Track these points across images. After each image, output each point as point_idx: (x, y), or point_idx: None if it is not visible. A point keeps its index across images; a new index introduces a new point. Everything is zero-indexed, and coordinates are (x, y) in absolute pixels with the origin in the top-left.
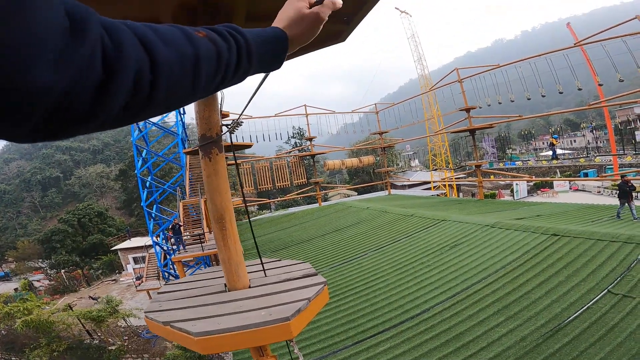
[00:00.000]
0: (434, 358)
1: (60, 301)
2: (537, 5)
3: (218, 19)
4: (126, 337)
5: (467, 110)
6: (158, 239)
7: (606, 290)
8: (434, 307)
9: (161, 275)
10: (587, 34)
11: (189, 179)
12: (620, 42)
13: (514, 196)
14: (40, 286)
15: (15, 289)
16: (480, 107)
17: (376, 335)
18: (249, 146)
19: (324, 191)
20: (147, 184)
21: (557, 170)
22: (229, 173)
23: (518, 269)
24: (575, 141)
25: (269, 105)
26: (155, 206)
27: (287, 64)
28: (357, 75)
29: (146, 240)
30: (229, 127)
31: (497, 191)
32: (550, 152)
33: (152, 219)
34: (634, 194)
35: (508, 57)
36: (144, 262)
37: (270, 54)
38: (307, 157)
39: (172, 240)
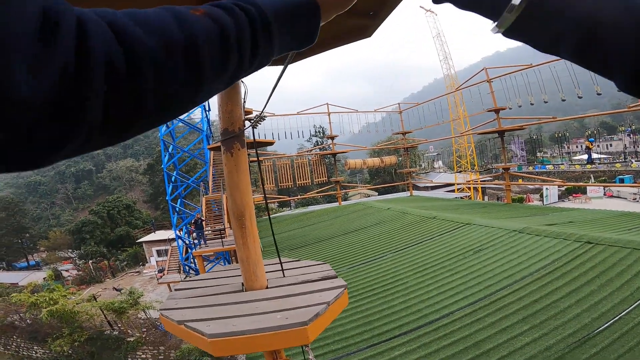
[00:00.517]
0: None
1: (86, 291)
2: None
3: None
4: (145, 329)
5: (496, 111)
6: (181, 232)
7: None
8: (454, 313)
9: (182, 268)
10: None
11: (212, 175)
12: None
13: (543, 201)
14: (69, 276)
15: (45, 279)
16: (510, 108)
17: (392, 339)
18: (271, 143)
19: (344, 190)
20: (173, 179)
21: (591, 175)
22: (250, 170)
23: (547, 276)
24: (611, 145)
25: (289, 103)
26: (179, 200)
27: (307, 62)
28: (379, 74)
29: (170, 234)
30: (252, 121)
31: (525, 195)
32: (586, 156)
33: (176, 213)
34: None
35: (540, 58)
36: (167, 255)
37: (298, 28)
38: (328, 155)
39: (194, 234)
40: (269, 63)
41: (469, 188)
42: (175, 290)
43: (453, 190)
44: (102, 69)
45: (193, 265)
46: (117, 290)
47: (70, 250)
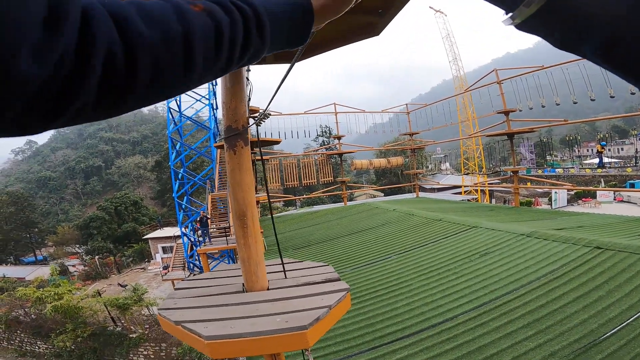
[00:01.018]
0: None
1: (91, 287)
2: None
3: None
4: (147, 326)
5: (506, 113)
6: (186, 230)
7: None
8: (458, 317)
9: (187, 266)
10: None
11: (219, 173)
12: None
13: (551, 205)
14: (75, 271)
15: (51, 274)
16: (520, 110)
17: (394, 341)
18: (277, 142)
19: (350, 190)
20: (180, 176)
21: (602, 180)
22: (257, 168)
23: (554, 281)
24: (622, 149)
25: (298, 104)
26: (185, 198)
27: (316, 62)
28: (387, 75)
29: (175, 231)
30: (256, 119)
31: (533, 199)
32: (597, 160)
33: (182, 210)
34: None
35: (551, 60)
36: (172, 252)
37: (290, 28)
38: (335, 155)
39: (199, 232)
40: (259, 59)
41: (476, 190)
42: (175, 289)
43: (460, 193)
44: (101, 57)
45: (197, 262)
46: (121, 286)
47: (77, 246)
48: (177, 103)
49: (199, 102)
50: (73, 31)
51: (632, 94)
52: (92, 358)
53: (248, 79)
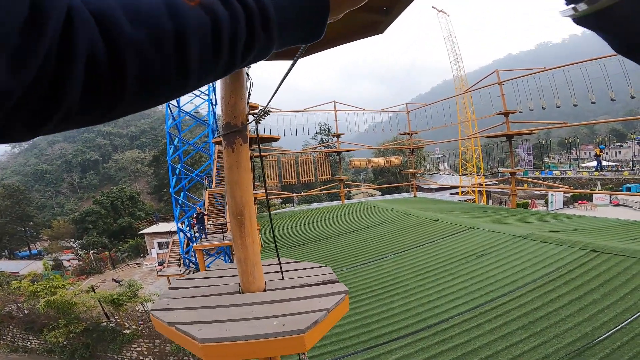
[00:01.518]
0: None
1: (85, 282)
2: None
3: None
4: (141, 322)
5: (506, 114)
6: (183, 225)
7: None
8: (453, 318)
9: (182, 262)
10: None
11: (217, 169)
12: None
13: (548, 207)
14: (69, 266)
15: (45, 269)
16: (520, 112)
17: (390, 342)
18: (276, 139)
19: (347, 189)
20: (177, 171)
21: (598, 183)
22: (255, 165)
23: (550, 284)
24: (620, 152)
25: (297, 102)
26: (182, 193)
27: (317, 61)
28: (388, 75)
29: (171, 226)
30: (256, 116)
31: (530, 201)
32: (595, 163)
33: (178, 206)
34: None
35: (552, 62)
36: (168, 248)
37: (302, 22)
38: (333, 153)
39: (196, 227)
40: (267, 57)
41: (474, 191)
42: (169, 289)
43: (457, 193)
44: (82, 61)
45: (193, 258)
46: (116, 281)
47: (72, 240)
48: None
49: (198, 97)
50: (54, 35)
51: (633, 97)
52: (84, 354)
53: (248, 75)
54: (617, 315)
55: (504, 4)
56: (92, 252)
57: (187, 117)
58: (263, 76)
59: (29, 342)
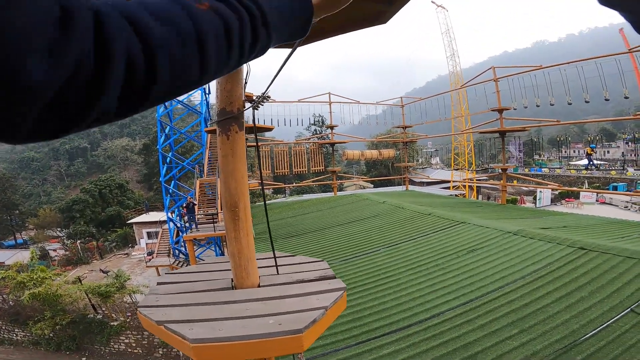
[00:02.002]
0: None
1: (72, 273)
2: (590, 9)
3: None
4: (129, 314)
5: (500, 111)
6: (173, 215)
7: (629, 309)
8: (444, 313)
9: (172, 252)
10: None
11: (209, 158)
12: None
13: (536, 204)
14: (55, 256)
15: (31, 259)
16: (515, 109)
17: (381, 336)
18: (269, 129)
19: (340, 180)
20: (168, 160)
21: (586, 181)
22: (247, 154)
23: (538, 280)
24: (609, 152)
25: (289, 91)
26: (173, 182)
27: (312, 52)
28: (383, 68)
29: (161, 216)
30: (254, 102)
31: (519, 197)
32: (586, 161)
33: (169, 195)
34: None
35: (548, 60)
36: (157, 238)
37: (292, 24)
38: (327, 145)
39: (186, 217)
40: (265, 53)
41: (464, 186)
42: (158, 284)
43: (449, 188)
44: (123, 60)
45: (183, 249)
46: (104, 272)
47: (59, 229)
48: None
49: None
50: (88, 33)
51: (627, 97)
52: (71, 346)
53: None
54: (604, 314)
55: (504, 4)
56: (79, 241)
57: (179, 106)
58: (256, 66)
59: (14, 335)
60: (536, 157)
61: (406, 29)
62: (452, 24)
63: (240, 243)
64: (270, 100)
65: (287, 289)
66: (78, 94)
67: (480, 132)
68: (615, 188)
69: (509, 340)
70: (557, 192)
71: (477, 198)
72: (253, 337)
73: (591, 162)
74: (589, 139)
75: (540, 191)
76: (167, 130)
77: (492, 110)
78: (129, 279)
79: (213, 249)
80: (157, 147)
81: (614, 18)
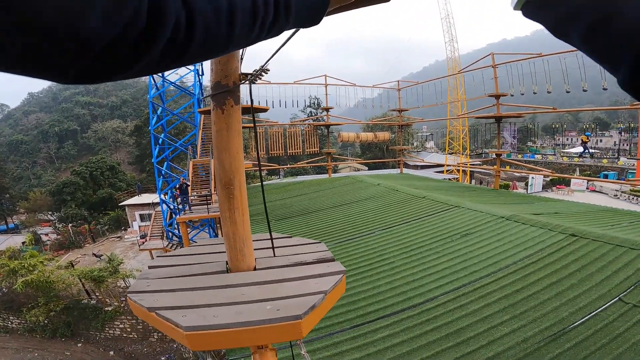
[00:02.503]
0: (432, 351)
1: (64, 257)
2: None
3: None
4: (123, 298)
5: (497, 97)
6: (165, 197)
7: (617, 298)
8: (438, 297)
9: (165, 235)
10: None
11: (202, 139)
12: None
13: (527, 189)
14: (47, 240)
15: (23, 242)
16: (512, 95)
17: (376, 320)
18: (264, 110)
19: (334, 162)
20: (160, 141)
21: (577, 169)
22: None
23: (530, 266)
24: (601, 141)
25: (284, 71)
26: (165, 163)
27: (307, 34)
28: (379, 52)
29: (154, 198)
30: (251, 75)
31: (511, 182)
32: (581, 149)
33: (161, 176)
34: None
35: (546, 49)
36: (150, 220)
37: (309, 10)
38: (322, 126)
39: (179, 199)
40: (279, 35)
41: (458, 170)
42: (149, 268)
43: (442, 171)
44: (171, 24)
45: (177, 231)
46: (96, 256)
47: (50, 213)
48: None
49: (183, 67)
50: None
51: (620, 86)
52: (66, 332)
53: None
54: (593, 302)
55: None
56: (70, 225)
57: (172, 87)
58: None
59: (9, 322)
60: (530, 143)
61: (404, 12)
62: (452, 10)
63: (235, 223)
64: (265, 81)
65: (285, 272)
66: (128, 47)
67: (477, 117)
68: (606, 176)
69: (500, 326)
70: (548, 179)
71: (470, 182)
72: (250, 323)
73: (586, 150)
74: (585, 127)
75: (532, 177)
76: (159, 112)
77: (489, 96)
78: (122, 262)
79: (207, 231)
80: (149, 128)
81: None
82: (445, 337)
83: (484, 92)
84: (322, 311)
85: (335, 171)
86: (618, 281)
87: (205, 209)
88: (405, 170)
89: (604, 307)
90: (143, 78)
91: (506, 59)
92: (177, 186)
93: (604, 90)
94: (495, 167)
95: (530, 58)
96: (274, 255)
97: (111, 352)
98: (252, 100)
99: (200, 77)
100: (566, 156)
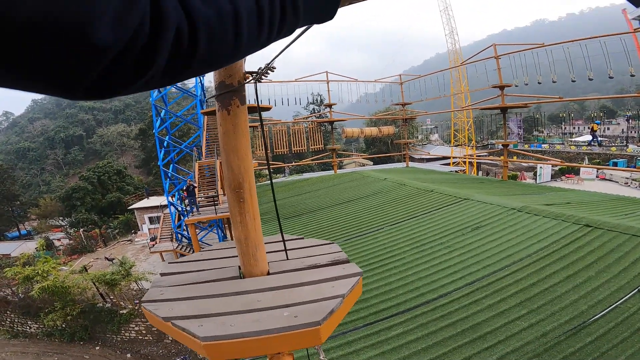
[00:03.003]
0: (448, 347)
1: (78, 262)
2: None
3: None
4: (137, 301)
5: (501, 87)
6: (173, 199)
7: (637, 289)
8: (451, 293)
9: (175, 236)
10: None
11: (206, 140)
12: None
13: (536, 179)
14: (60, 245)
15: (36, 249)
16: (516, 86)
17: (389, 317)
18: (267, 109)
19: (340, 159)
20: (165, 144)
21: (586, 157)
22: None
23: (545, 259)
24: (609, 129)
25: (287, 71)
26: (171, 166)
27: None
28: (379, 46)
29: (162, 200)
30: (256, 74)
31: (519, 173)
32: (590, 137)
33: (168, 179)
34: None
35: (547, 39)
36: (159, 223)
37: (319, 6)
38: (325, 123)
39: (187, 201)
40: (291, 34)
41: (464, 162)
42: (161, 274)
43: (448, 164)
44: (172, 31)
45: (186, 233)
46: (108, 259)
47: (61, 218)
48: None
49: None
50: (147, 5)
51: (633, 75)
52: (84, 336)
53: None
54: (612, 294)
55: None
56: (82, 230)
57: (173, 89)
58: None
59: (27, 327)
60: (536, 133)
61: (398, 5)
62: (451, 1)
63: (246, 228)
64: (266, 80)
65: (299, 276)
66: (134, 58)
67: (482, 109)
68: (615, 164)
69: (518, 320)
70: (557, 168)
71: (478, 174)
72: (268, 332)
73: (595, 138)
74: (592, 115)
75: (541, 167)
76: (162, 114)
77: (494, 87)
78: (134, 265)
79: (215, 231)
80: (154, 131)
81: None
82: (462, 332)
83: (488, 83)
84: (340, 315)
85: (340, 167)
86: (636, 272)
87: (213, 210)
88: (411, 164)
89: (623, 299)
90: None
91: (508, 49)
92: (184, 188)
93: (610, 78)
94: (502, 157)
95: (533, 48)
96: (287, 259)
97: (128, 355)
98: (258, 99)
99: (201, 77)
100: (574, 145)
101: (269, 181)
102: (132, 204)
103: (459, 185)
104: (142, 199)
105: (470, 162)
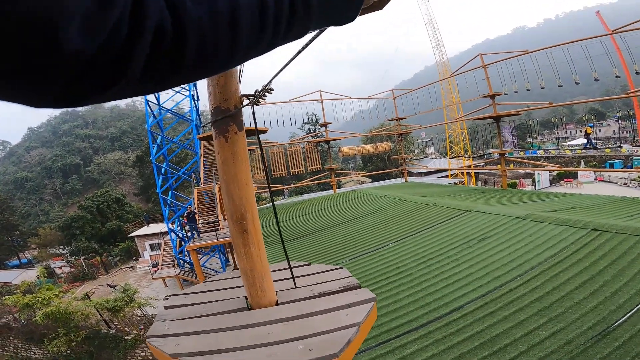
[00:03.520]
0: None
1: (80, 289)
2: None
3: None
4: (142, 327)
5: (492, 97)
6: (173, 225)
7: None
8: (464, 307)
9: (176, 262)
10: (616, 22)
11: (204, 165)
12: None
13: (535, 186)
14: (61, 273)
15: (37, 277)
16: (506, 94)
17: (402, 335)
18: (264, 131)
19: (338, 178)
20: (163, 170)
21: (582, 160)
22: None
23: (557, 266)
24: (600, 131)
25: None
26: (170, 192)
27: (291, 46)
28: (367, 63)
29: (162, 227)
30: (253, 97)
31: (518, 180)
32: (584, 141)
33: (167, 206)
34: None
35: (529, 45)
36: (160, 249)
37: (341, 5)
38: (322, 142)
39: (187, 227)
40: (303, 37)
41: (462, 173)
42: (165, 308)
43: (447, 176)
44: (151, 33)
45: (187, 259)
46: (111, 286)
47: (61, 247)
48: (155, 96)
49: (178, 93)
50: (124, 7)
51: (617, 77)
52: None
53: None
54: (632, 297)
55: None
56: (82, 258)
57: (169, 115)
58: (247, 64)
59: (32, 353)
60: (530, 140)
61: (385, 23)
62: (435, 14)
63: (252, 259)
64: (261, 102)
65: (310, 304)
66: (107, 63)
67: (475, 119)
68: (612, 165)
69: (538, 330)
70: (555, 173)
71: (476, 184)
72: None
73: (590, 142)
74: (584, 118)
75: (538, 173)
76: (158, 141)
77: (484, 97)
78: (136, 292)
79: (217, 256)
80: (151, 158)
81: (587, 1)
82: (480, 346)
83: (478, 93)
84: (357, 345)
85: (339, 186)
86: None
87: (214, 236)
88: (409, 179)
89: None
90: (140, 107)
91: (494, 58)
92: (185, 214)
93: (596, 81)
94: (499, 166)
95: (518, 56)
96: (295, 287)
97: None
98: (256, 124)
99: (196, 102)
100: (569, 149)
101: (270, 204)
102: (132, 232)
103: (459, 197)
104: (142, 226)
105: (468, 173)
